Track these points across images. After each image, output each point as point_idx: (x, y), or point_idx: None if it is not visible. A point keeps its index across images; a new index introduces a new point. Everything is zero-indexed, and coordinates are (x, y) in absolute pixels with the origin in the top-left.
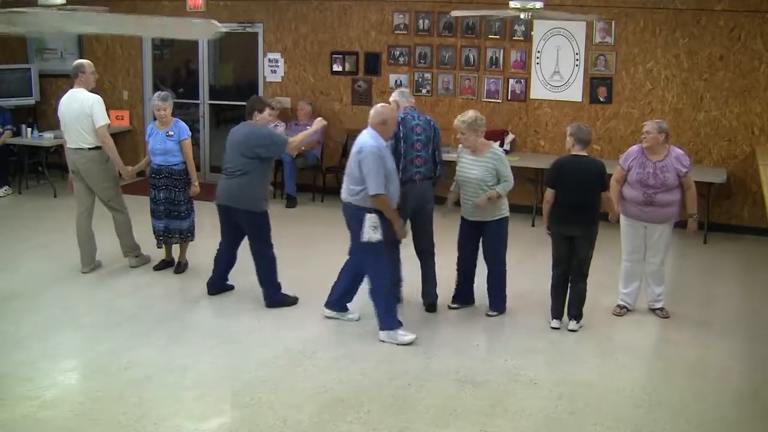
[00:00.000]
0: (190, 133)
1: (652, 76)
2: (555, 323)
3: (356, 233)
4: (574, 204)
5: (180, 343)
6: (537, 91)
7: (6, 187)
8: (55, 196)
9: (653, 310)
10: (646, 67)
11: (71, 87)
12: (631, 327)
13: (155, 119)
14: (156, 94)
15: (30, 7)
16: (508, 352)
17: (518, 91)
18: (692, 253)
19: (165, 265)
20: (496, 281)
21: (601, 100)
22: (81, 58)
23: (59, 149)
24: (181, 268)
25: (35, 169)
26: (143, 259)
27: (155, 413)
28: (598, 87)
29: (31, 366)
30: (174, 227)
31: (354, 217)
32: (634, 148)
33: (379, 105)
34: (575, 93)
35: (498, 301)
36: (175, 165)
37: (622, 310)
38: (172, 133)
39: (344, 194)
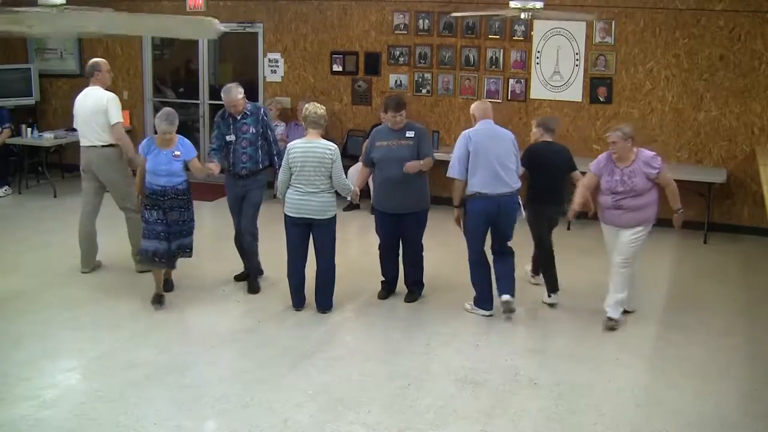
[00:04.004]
0: (196, 151)
1: (652, 76)
2: (554, 298)
3: (512, 221)
4: (548, 185)
5: (180, 343)
6: (537, 91)
7: (6, 187)
8: (55, 196)
9: (605, 318)
10: (646, 67)
11: (87, 86)
12: (631, 327)
13: (153, 134)
14: (162, 115)
15: (30, 7)
16: (508, 352)
17: (518, 91)
18: (692, 253)
19: (162, 301)
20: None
21: (601, 100)
22: (81, 58)
23: (59, 149)
24: (169, 285)
25: (35, 169)
26: None
27: (155, 413)
28: (598, 87)
29: (31, 366)
30: (181, 244)
31: (514, 205)
32: (603, 155)
33: (484, 101)
34: (575, 93)
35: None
36: (180, 185)
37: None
38: (179, 152)
39: (503, 187)
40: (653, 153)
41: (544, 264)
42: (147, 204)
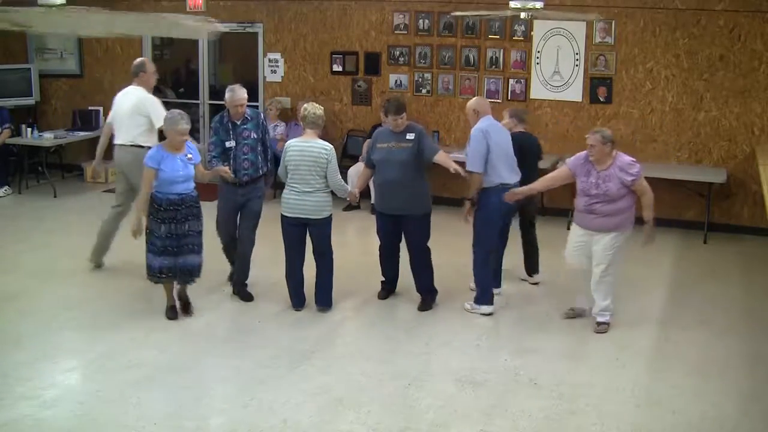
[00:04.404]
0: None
1: (652, 76)
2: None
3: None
4: (528, 175)
5: (180, 343)
6: (537, 91)
7: (6, 187)
8: (55, 196)
9: (594, 323)
10: (646, 67)
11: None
12: (631, 327)
13: (159, 141)
14: (176, 116)
15: (30, 7)
16: (508, 352)
17: (518, 91)
18: (692, 253)
19: (176, 312)
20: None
21: (601, 100)
22: (81, 58)
23: (59, 149)
24: (190, 309)
25: (35, 169)
26: None
27: (155, 413)
28: (598, 87)
29: (31, 366)
30: (188, 264)
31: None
32: (583, 153)
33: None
34: (575, 93)
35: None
36: (193, 192)
37: (570, 311)
38: (191, 155)
39: (517, 177)
40: (632, 159)
41: (532, 251)
42: (160, 217)
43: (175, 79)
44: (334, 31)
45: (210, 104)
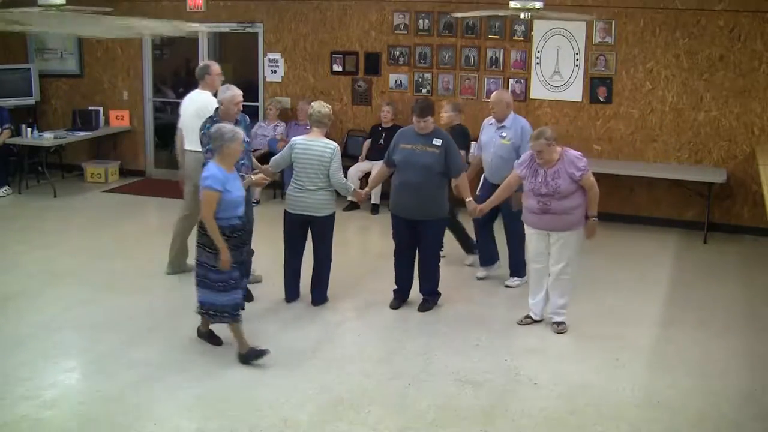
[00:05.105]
0: None
1: (652, 76)
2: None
3: None
4: (467, 165)
5: (180, 343)
6: (537, 91)
7: (6, 187)
8: (55, 196)
9: (551, 323)
10: (646, 67)
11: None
12: (631, 327)
13: (208, 157)
14: (228, 129)
15: (30, 8)
16: (508, 352)
17: (518, 91)
18: (692, 253)
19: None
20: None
21: (601, 100)
22: (81, 58)
23: (59, 149)
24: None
25: (35, 169)
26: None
27: (155, 413)
28: (598, 87)
29: (31, 366)
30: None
31: None
32: (527, 154)
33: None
34: (575, 93)
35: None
36: (243, 214)
37: (526, 319)
38: (242, 173)
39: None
40: (579, 153)
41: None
42: (230, 245)
43: (175, 79)
44: (334, 31)
45: None
